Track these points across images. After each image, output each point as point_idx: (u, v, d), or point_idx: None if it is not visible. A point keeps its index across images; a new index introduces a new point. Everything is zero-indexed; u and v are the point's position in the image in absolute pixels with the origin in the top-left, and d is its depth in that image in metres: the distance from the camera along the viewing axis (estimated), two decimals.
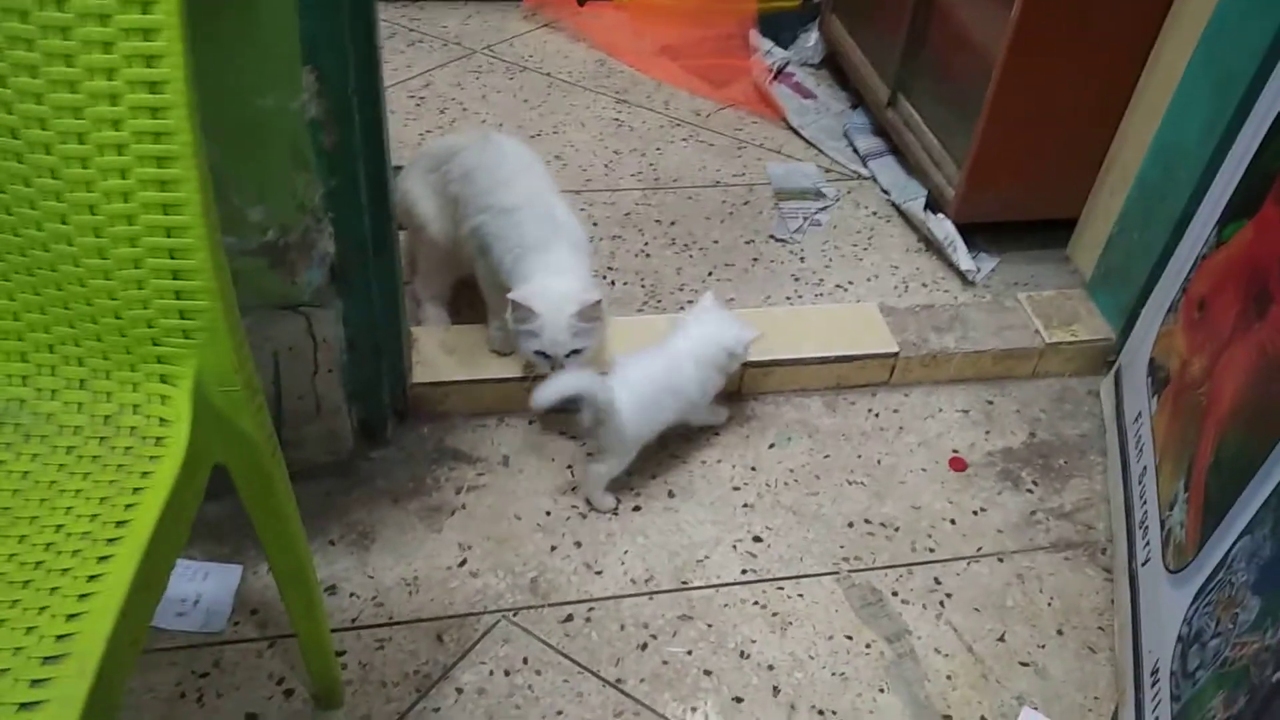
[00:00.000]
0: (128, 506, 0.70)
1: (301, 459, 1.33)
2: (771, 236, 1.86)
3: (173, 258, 0.69)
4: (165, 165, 0.66)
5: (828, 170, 2.05)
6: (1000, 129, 1.68)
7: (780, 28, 2.40)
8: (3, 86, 0.65)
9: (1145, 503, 1.33)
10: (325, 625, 1.04)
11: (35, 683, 0.59)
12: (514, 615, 1.25)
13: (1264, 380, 1.09)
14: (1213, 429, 1.18)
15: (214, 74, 0.94)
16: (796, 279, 1.77)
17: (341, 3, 1.04)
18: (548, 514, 1.37)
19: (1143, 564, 1.28)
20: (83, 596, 0.64)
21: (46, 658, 0.60)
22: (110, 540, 0.68)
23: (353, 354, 1.30)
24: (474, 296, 1.53)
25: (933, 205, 1.86)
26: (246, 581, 1.24)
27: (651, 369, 1.36)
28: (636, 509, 1.39)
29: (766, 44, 2.35)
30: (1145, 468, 1.36)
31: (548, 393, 1.27)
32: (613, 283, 1.72)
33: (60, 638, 0.62)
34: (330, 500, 1.34)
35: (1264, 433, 1.03)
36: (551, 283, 1.33)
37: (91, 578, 0.65)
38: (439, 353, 1.47)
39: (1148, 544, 1.28)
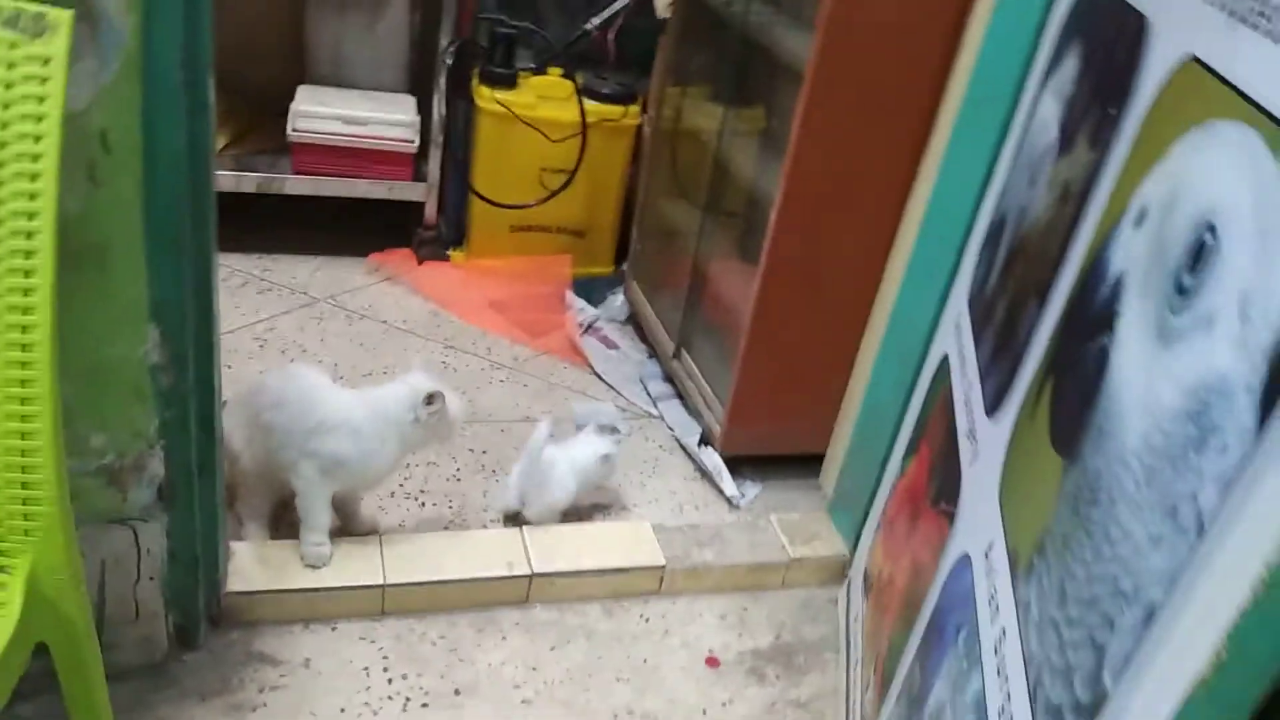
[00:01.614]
0: None
1: (118, 661, 1.47)
2: None
3: (24, 472, 0.91)
4: (27, 403, 0.89)
5: (624, 409, 2.37)
6: (752, 378, 2.04)
7: (592, 289, 2.79)
8: None
9: (855, 689, 1.59)
10: None
11: None
12: None
13: (911, 578, 1.40)
14: (889, 622, 1.47)
15: (72, 325, 1.19)
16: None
17: (184, 273, 1.31)
18: (341, 711, 1.53)
19: None
20: None
21: None
22: None
23: (173, 564, 1.48)
24: (291, 516, 1.73)
25: (705, 440, 2.19)
26: None
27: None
28: (424, 705, 1.56)
29: (580, 302, 2.73)
30: (857, 660, 1.64)
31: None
32: (423, 504, 1.95)
33: None
34: (141, 699, 1.47)
35: (908, 621, 1.32)
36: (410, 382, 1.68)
37: None
38: (253, 564, 1.65)
39: None
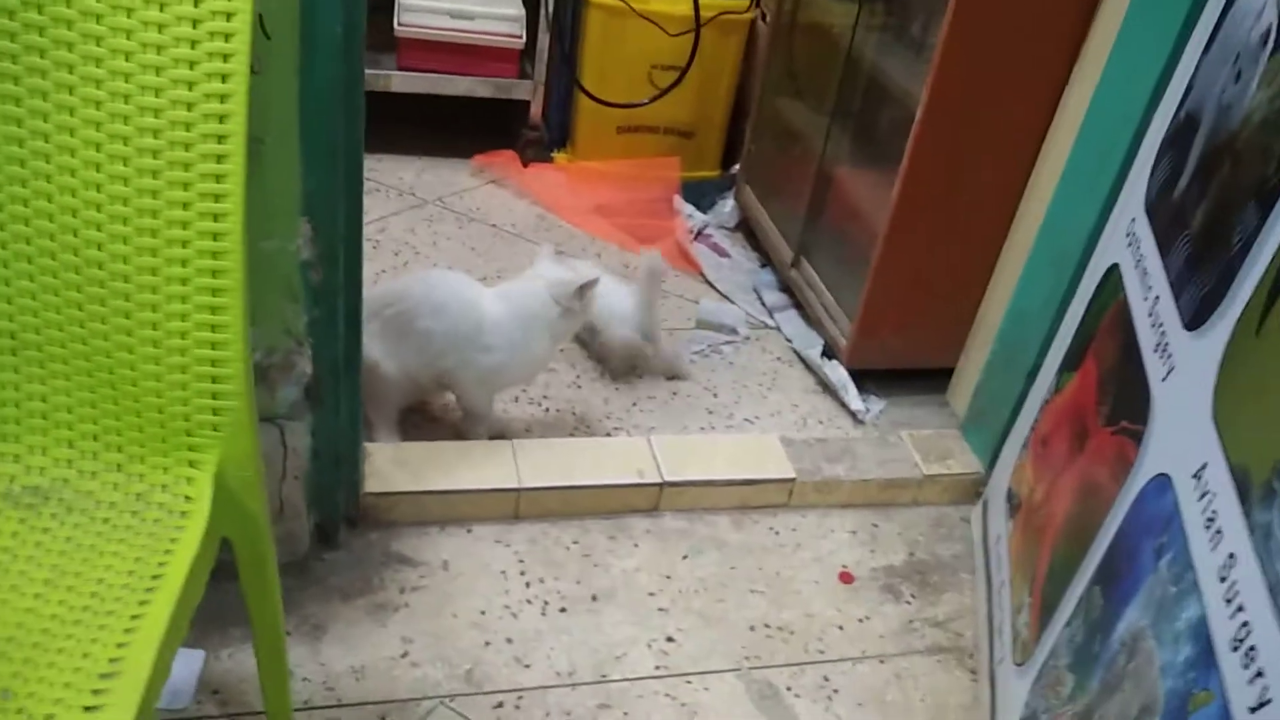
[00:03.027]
0: (159, 564, 0.86)
1: None
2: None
3: (214, 366, 0.88)
4: (218, 295, 0.86)
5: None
6: (884, 290, 1.96)
7: (701, 194, 2.70)
8: (100, 230, 0.85)
9: (1002, 611, 1.55)
10: (289, 695, 1.19)
11: (95, 692, 0.75)
12: (450, 701, 1.39)
13: (1081, 500, 1.34)
14: (1049, 543, 1.42)
15: None
16: (710, 412, 2.00)
17: (337, 165, 1.26)
18: (482, 613, 1.52)
19: (998, 663, 1.49)
20: (127, 630, 0.80)
21: (102, 674, 0.76)
22: (148, 589, 0.84)
23: (316, 463, 1.47)
24: (420, 419, 1.72)
25: (828, 353, 2.12)
26: (209, 666, 1.36)
27: None
28: (563, 610, 1.55)
29: (688, 208, 2.65)
30: (1002, 581, 1.59)
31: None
32: (546, 409, 1.93)
33: (112, 660, 0.77)
34: (287, 595, 1.46)
35: (1080, 543, 1.27)
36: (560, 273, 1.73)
37: (134, 617, 0.81)
38: (389, 466, 1.64)
39: (1003, 645, 1.49)
